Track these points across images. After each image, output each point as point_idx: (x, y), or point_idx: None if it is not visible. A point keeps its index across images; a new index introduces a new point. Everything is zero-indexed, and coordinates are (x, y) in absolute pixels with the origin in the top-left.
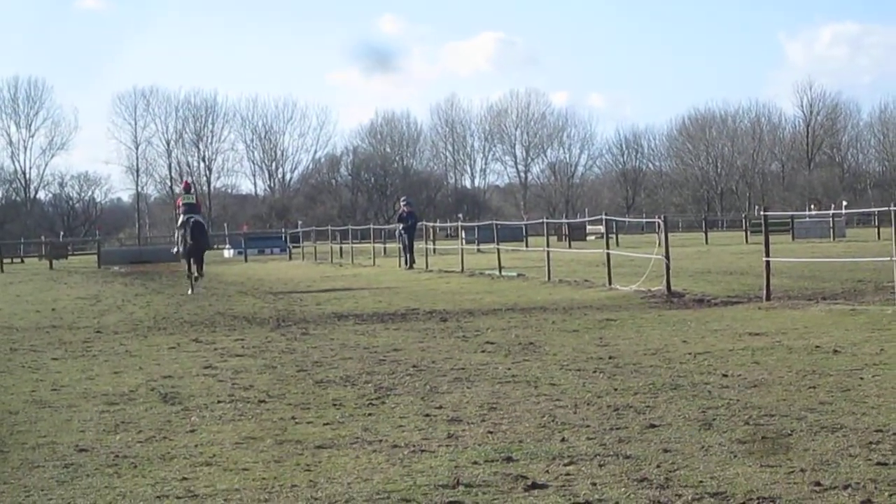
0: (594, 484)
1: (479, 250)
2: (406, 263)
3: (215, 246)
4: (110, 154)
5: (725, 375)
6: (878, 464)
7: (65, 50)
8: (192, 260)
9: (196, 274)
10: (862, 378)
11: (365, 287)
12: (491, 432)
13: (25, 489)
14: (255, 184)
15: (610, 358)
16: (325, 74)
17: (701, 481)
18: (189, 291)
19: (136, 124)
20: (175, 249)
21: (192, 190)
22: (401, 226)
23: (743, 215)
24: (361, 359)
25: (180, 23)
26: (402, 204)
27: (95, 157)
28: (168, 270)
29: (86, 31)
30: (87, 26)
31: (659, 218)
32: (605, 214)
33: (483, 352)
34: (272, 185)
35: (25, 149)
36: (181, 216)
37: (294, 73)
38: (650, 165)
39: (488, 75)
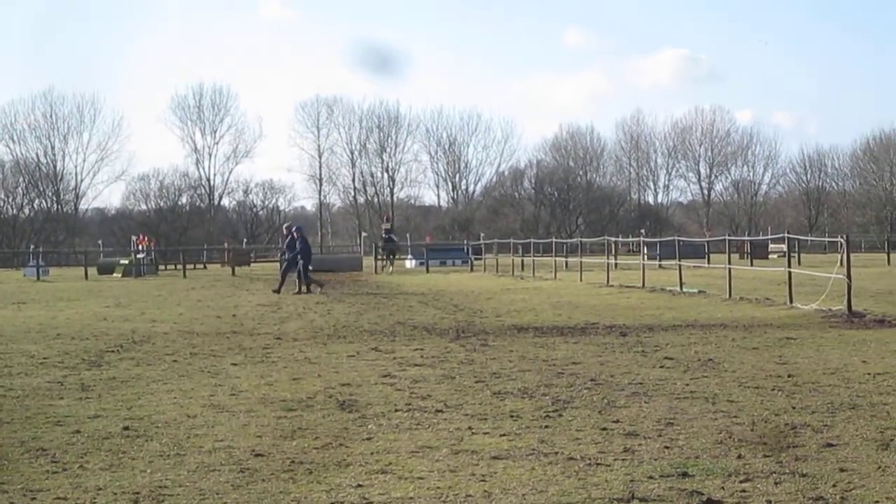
0: (769, 501)
1: (660, 266)
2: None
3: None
4: (293, 162)
5: None
6: None
7: (249, 58)
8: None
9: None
10: None
11: (545, 300)
12: (667, 447)
13: (201, 492)
14: (438, 195)
15: (789, 376)
16: (509, 86)
17: (877, 501)
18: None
19: (318, 133)
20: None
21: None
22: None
23: None
24: (540, 371)
25: (363, 32)
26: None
27: (278, 164)
28: (350, 279)
29: (269, 38)
30: (271, 34)
31: (841, 237)
32: (788, 233)
33: (662, 367)
34: (455, 196)
35: (210, 155)
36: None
37: (478, 85)
38: (834, 185)
39: (670, 91)
